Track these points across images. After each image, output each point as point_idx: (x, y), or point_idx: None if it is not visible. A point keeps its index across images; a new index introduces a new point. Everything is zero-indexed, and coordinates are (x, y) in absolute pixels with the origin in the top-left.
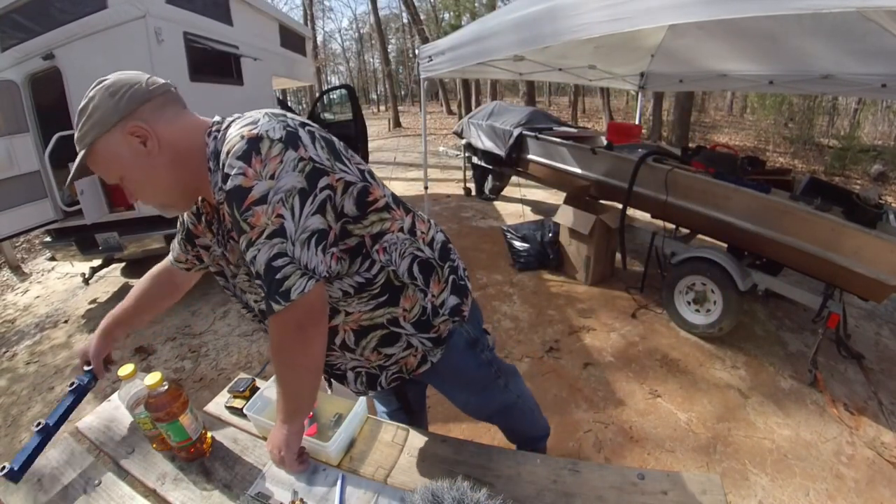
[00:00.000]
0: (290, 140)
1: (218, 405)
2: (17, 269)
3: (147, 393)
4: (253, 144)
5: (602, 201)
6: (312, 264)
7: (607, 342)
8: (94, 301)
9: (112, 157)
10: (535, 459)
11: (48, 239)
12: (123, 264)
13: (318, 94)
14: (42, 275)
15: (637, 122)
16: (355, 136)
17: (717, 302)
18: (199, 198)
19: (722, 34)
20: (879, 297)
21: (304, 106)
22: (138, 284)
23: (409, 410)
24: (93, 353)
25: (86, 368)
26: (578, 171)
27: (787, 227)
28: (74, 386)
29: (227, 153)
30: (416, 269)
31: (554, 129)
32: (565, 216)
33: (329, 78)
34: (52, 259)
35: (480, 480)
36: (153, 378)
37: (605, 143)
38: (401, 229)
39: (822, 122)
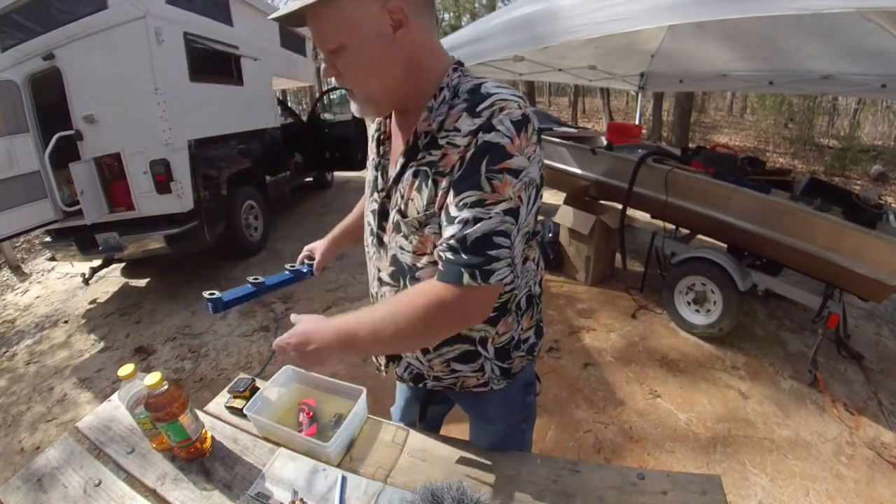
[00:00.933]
0: (539, 138)
1: (218, 405)
2: (17, 269)
3: (147, 393)
4: (525, 121)
5: (602, 201)
6: (517, 259)
7: (607, 342)
8: (93, 301)
9: (351, 23)
10: (536, 459)
11: (48, 239)
12: (123, 264)
13: (318, 95)
14: (42, 275)
15: (637, 123)
16: (355, 137)
17: (717, 302)
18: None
19: (722, 34)
20: (879, 297)
21: (304, 106)
22: (360, 203)
23: (422, 418)
24: (322, 250)
25: (307, 262)
26: (578, 171)
27: (787, 227)
28: (295, 269)
29: (500, 109)
30: (524, 300)
31: (554, 129)
32: (565, 216)
33: (329, 78)
34: (52, 259)
35: (480, 480)
36: (153, 378)
37: (605, 143)
38: (533, 259)
39: (822, 122)
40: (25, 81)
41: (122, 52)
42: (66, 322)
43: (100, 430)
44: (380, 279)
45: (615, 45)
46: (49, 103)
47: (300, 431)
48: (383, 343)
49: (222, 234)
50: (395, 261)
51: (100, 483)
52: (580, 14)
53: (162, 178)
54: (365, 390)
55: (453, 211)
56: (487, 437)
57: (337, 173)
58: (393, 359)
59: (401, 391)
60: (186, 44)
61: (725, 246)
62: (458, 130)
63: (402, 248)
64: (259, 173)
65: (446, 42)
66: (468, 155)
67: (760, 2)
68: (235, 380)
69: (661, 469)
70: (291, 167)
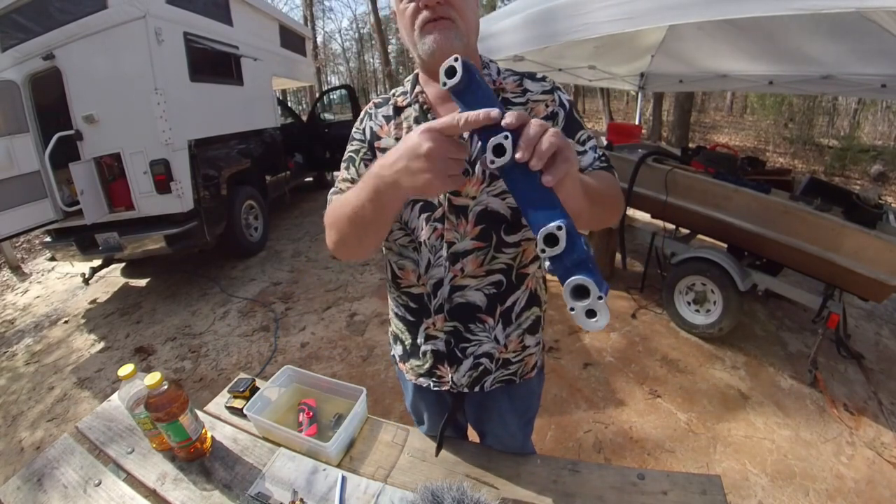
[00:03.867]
0: None
1: (218, 405)
2: (17, 269)
3: (147, 393)
4: None
5: None
6: None
7: (607, 342)
8: (93, 301)
9: None
10: (536, 460)
11: (48, 239)
12: (123, 264)
13: (318, 95)
14: (42, 275)
15: (637, 123)
16: None
17: (717, 302)
18: (420, 89)
19: (722, 34)
20: (879, 297)
21: (305, 106)
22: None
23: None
24: None
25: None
26: None
27: (787, 227)
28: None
29: (553, 82)
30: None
31: None
32: None
33: (329, 78)
34: (52, 259)
35: (480, 480)
36: (153, 378)
37: (605, 143)
38: None
39: (822, 122)
40: (25, 81)
41: (122, 52)
42: (65, 322)
43: (100, 430)
44: (454, 253)
45: (615, 44)
46: (49, 103)
47: (300, 431)
48: (596, 203)
49: (222, 234)
50: (484, 216)
51: (100, 483)
52: (580, 14)
53: (162, 178)
54: (365, 390)
55: (578, 147)
56: (509, 438)
57: (337, 173)
58: (447, 357)
59: (425, 412)
60: (186, 44)
61: (725, 246)
62: (531, 91)
63: (505, 191)
64: (259, 173)
65: None
66: (557, 108)
67: (760, 2)
68: (235, 380)
69: (661, 469)
70: (291, 167)
